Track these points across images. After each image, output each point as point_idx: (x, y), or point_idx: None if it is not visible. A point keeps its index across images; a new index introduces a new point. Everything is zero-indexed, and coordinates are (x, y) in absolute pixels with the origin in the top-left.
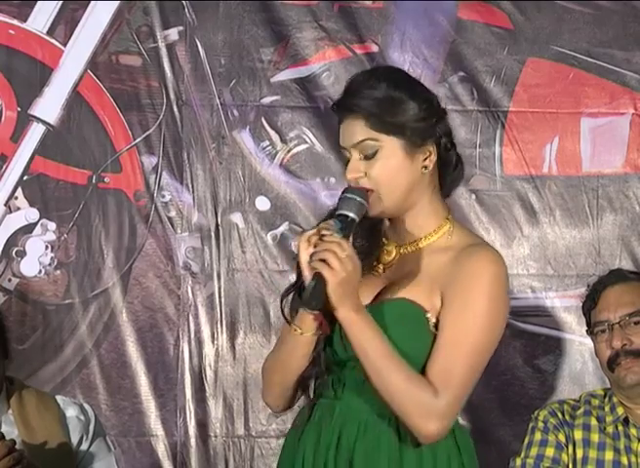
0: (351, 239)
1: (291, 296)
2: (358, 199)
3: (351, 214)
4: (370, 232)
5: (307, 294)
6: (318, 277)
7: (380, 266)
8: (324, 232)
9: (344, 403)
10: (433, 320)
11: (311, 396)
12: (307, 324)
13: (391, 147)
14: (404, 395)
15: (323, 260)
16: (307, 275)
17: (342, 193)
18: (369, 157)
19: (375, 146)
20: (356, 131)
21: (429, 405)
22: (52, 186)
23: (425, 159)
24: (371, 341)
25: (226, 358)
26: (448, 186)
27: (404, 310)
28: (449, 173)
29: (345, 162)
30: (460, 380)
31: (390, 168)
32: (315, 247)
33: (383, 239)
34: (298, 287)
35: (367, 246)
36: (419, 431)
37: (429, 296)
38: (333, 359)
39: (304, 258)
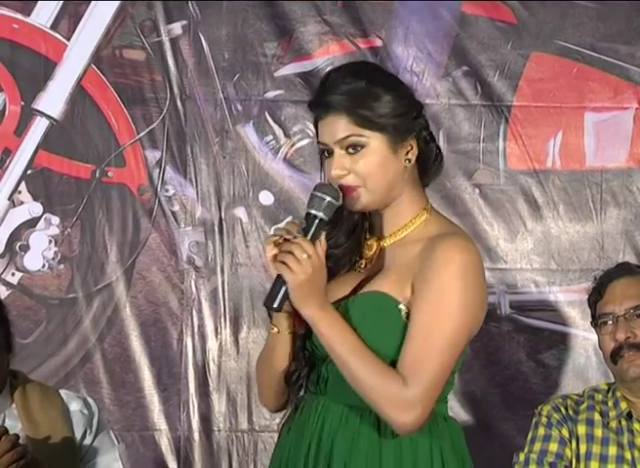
0: (322, 237)
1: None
2: (327, 198)
3: (319, 214)
4: (352, 229)
5: (267, 296)
6: (279, 279)
7: (363, 262)
8: (285, 234)
9: (327, 397)
10: (405, 310)
11: (302, 392)
12: (283, 322)
13: (375, 143)
14: (373, 388)
15: (284, 262)
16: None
17: (313, 190)
18: (353, 153)
19: (359, 142)
20: (339, 127)
21: (398, 395)
22: (55, 180)
23: (408, 153)
24: (337, 337)
25: (230, 352)
26: (429, 178)
27: (377, 302)
28: (429, 165)
29: (321, 156)
30: (430, 370)
31: (375, 163)
32: (279, 248)
33: (368, 234)
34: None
35: (349, 243)
36: (393, 422)
37: (402, 288)
38: (315, 355)
39: (269, 261)
